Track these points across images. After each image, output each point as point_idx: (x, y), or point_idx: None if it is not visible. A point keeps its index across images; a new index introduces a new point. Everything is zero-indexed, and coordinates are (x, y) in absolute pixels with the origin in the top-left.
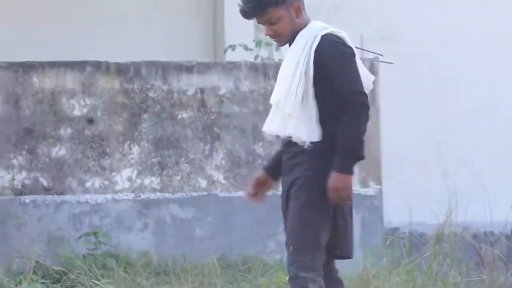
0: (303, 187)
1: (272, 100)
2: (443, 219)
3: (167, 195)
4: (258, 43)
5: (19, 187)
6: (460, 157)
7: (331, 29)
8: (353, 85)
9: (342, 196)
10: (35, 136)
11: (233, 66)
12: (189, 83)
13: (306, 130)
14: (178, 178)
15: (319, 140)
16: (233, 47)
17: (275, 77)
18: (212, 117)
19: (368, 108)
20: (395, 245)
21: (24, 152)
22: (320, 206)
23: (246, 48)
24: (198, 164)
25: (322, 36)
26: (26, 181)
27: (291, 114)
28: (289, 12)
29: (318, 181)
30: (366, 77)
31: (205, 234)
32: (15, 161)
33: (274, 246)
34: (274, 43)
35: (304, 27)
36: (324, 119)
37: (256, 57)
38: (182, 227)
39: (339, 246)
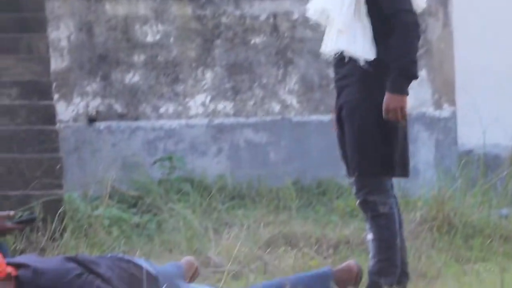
0: (356, 110)
1: (323, 18)
2: None
3: (240, 119)
4: None
5: (94, 113)
6: None
7: None
8: (399, 3)
9: (397, 116)
10: (109, 63)
11: None
12: (262, 8)
13: (360, 47)
14: (252, 102)
15: (373, 58)
16: None
17: None
18: (285, 42)
19: (417, 26)
20: (470, 167)
21: (98, 79)
22: (376, 128)
23: None
24: (271, 88)
25: None
26: (101, 108)
27: (342, 31)
28: None
29: (370, 103)
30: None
31: (279, 158)
32: (89, 88)
33: None
34: None
35: None
36: (377, 38)
37: None
38: (256, 151)
39: (398, 166)
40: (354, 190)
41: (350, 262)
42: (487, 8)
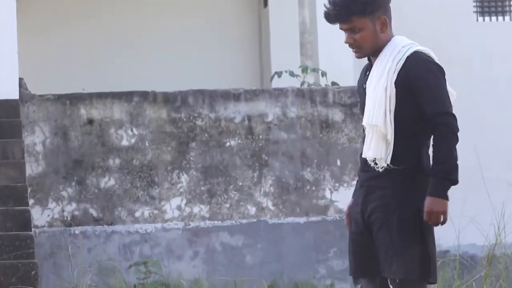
0: (394, 214)
1: (365, 124)
2: (493, 240)
3: (216, 222)
4: (305, 69)
5: (69, 218)
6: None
7: (418, 47)
8: (443, 107)
9: (439, 220)
10: (84, 167)
11: (280, 93)
12: (237, 111)
13: (392, 153)
14: (227, 205)
15: (404, 163)
16: (279, 74)
17: (322, 102)
18: (260, 144)
19: (458, 130)
20: (446, 267)
21: (73, 184)
22: (417, 232)
23: (292, 74)
24: (247, 191)
25: (411, 55)
26: (76, 212)
27: (389, 140)
28: (374, 25)
29: (409, 206)
30: (450, 95)
31: (255, 260)
32: (64, 193)
33: (325, 272)
34: (320, 69)
35: (387, 43)
36: (409, 141)
37: (302, 83)
38: (232, 255)
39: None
40: None
41: None
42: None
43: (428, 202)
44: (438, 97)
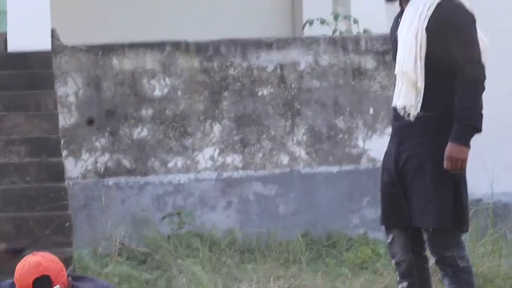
0: (428, 162)
1: (396, 71)
2: None
3: (249, 172)
4: (336, 16)
5: (102, 169)
6: None
7: None
8: (471, 55)
9: (457, 167)
10: (117, 118)
11: (312, 41)
12: (269, 59)
13: (422, 100)
14: (260, 155)
15: (434, 110)
16: (310, 21)
17: (354, 50)
18: (292, 93)
19: (485, 78)
20: (479, 216)
21: (106, 135)
22: (451, 180)
23: (323, 22)
24: (279, 140)
25: (442, 0)
26: (109, 164)
27: (419, 87)
28: None
29: (441, 155)
30: (481, 41)
31: (288, 210)
32: (97, 144)
33: (358, 221)
34: (352, 16)
35: None
36: (440, 88)
37: (334, 31)
38: (265, 205)
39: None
40: (428, 245)
41: None
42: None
43: (449, 148)
44: (467, 44)
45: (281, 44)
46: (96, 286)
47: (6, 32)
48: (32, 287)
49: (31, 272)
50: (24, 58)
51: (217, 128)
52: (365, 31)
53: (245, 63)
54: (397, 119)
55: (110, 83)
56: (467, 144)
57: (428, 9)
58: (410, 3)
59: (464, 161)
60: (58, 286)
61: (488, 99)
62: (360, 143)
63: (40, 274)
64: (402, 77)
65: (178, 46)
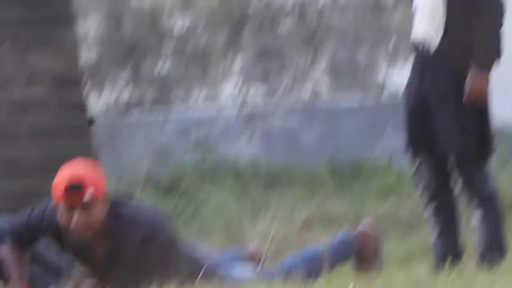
0: (451, 92)
1: (417, 4)
2: None
3: (272, 104)
4: None
5: (125, 104)
6: None
7: None
8: None
9: (479, 95)
10: (138, 53)
11: None
12: None
13: (441, 32)
14: (282, 87)
15: (456, 42)
16: None
17: None
18: (314, 25)
19: (505, 12)
20: (503, 143)
21: (128, 70)
22: (472, 107)
23: None
24: (301, 72)
25: None
26: (132, 98)
27: (439, 19)
28: None
29: (461, 83)
30: None
31: (311, 141)
32: (120, 79)
33: (383, 148)
34: None
35: None
36: (460, 20)
37: None
38: (288, 135)
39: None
40: (454, 172)
41: (365, 224)
42: None
43: (470, 77)
44: None
45: None
46: (138, 217)
47: None
48: (64, 193)
49: (66, 179)
50: None
51: (239, 61)
52: None
53: None
54: (417, 51)
55: (131, 18)
56: (488, 73)
57: None
58: None
59: (486, 89)
60: (92, 187)
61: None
62: (382, 74)
63: (74, 181)
64: (423, 8)
65: None
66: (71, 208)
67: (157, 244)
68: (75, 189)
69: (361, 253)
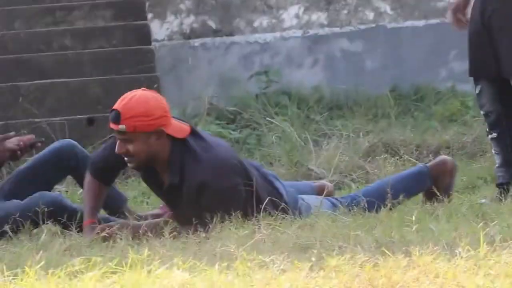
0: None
1: None
2: None
3: (335, 29)
4: None
5: (188, 31)
6: None
7: None
8: None
9: None
10: None
11: None
12: None
13: None
14: (345, 11)
15: None
16: None
17: None
18: None
19: None
20: None
21: None
22: None
23: None
24: None
25: None
26: (195, 25)
27: None
28: None
29: None
30: None
31: (375, 66)
32: (182, 6)
33: (446, 74)
34: None
35: None
36: None
37: None
38: (352, 61)
39: None
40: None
41: (443, 156)
42: None
43: None
44: None
45: None
46: (208, 158)
47: None
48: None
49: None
50: None
51: None
52: None
53: None
54: None
55: None
56: None
57: None
58: None
59: None
60: (132, 118)
61: None
62: None
63: (115, 110)
64: None
65: None
66: (116, 134)
67: (213, 190)
68: (113, 117)
69: (437, 183)
